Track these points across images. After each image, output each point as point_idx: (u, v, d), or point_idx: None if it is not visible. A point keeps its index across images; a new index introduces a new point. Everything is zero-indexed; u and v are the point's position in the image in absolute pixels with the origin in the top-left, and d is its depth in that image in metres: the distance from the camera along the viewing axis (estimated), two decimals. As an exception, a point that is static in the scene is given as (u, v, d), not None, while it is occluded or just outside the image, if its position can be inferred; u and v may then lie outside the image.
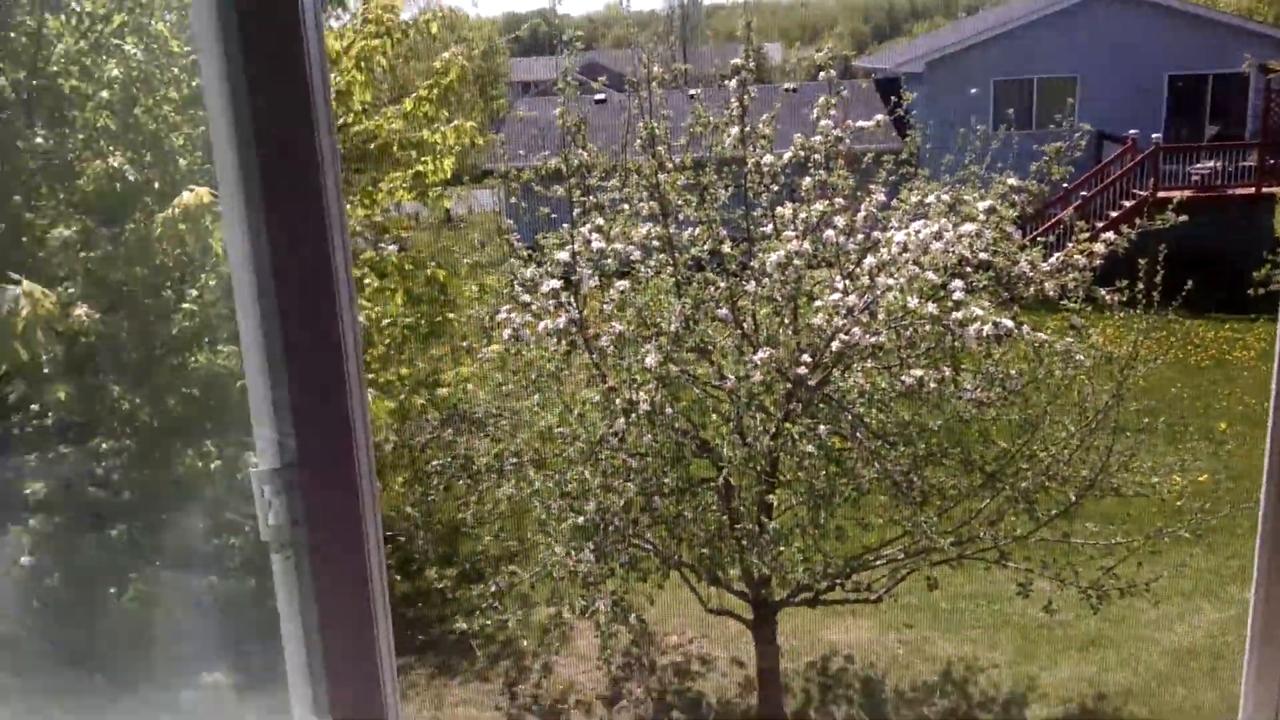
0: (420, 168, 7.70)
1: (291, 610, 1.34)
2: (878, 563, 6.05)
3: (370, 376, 6.96)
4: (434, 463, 5.92)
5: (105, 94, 4.97)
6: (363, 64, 7.37)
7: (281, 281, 1.27)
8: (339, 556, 1.33)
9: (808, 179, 5.73)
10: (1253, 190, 18.14)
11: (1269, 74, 17.19)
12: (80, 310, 4.56)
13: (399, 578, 6.62)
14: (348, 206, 7.41)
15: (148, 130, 5.18)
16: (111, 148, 4.91)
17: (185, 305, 5.22)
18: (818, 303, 5.38)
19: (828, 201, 5.56)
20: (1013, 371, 5.57)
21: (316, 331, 1.29)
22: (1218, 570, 8.37)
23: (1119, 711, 7.03)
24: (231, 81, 1.23)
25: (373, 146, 7.75)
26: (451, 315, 7.92)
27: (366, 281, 7.41)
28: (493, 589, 5.54)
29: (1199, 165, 18.75)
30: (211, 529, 5.16)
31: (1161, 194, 16.86)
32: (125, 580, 4.87)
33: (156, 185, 5.11)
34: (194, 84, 5.28)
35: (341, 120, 7.53)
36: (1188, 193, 16.48)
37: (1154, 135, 18.74)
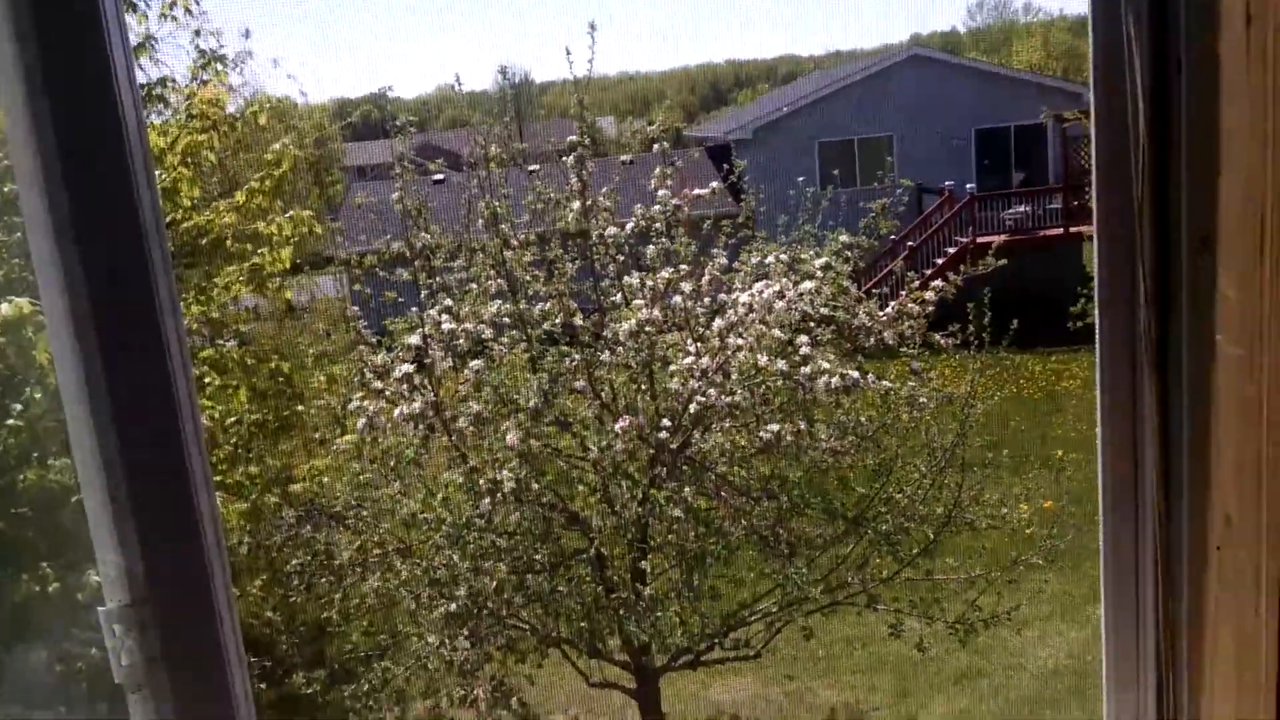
0: (257, 260, 7.50)
1: (153, 757, 1.24)
2: (753, 618, 6.10)
3: (218, 479, 6.65)
4: (293, 562, 5.68)
5: (-92, 205, 4.69)
6: (189, 159, 7.17)
7: (116, 396, 1.21)
8: (201, 695, 1.25)
9: (651, 247, 5.85)
10: (1061, 231, 19.47)
11: (1064, 123, 18.61)
12: (-109, 436, 4.24)
13: (263, 685, 6.27)
14: (182, 305, 7.13)
15: (-42, 240, 4.90)
16: (-81, 261, 4.62)
17: (10, 421, 4.91)
18: (672, 367, 5.47)
19: (673, 268, 5.68)
20: (863, 419, 5.77)
21: (159, 448, 1.23)
22: (1071, 592, 8.77)
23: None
24: (49, 186, 1.18)
25: (205, 242, 7.51)
26: (300, 408, 7.67)
27: (207, 380, 7.12)
28: (365, 688, 5.32)
29: (1011, 211, 20.04)
30: (54, 657, 4.80)
31: (981, 239, 17.94)
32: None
33: (-30, 297, 4.82)
34: (5, 190, 5.03)
35: (170, 217, 7.29)
36: (1003, 237, 17.58)
37: (968, 185, 19.95)
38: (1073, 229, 19.16)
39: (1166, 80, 1.09)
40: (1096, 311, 1.23)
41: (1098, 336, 1.24)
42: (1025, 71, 26.27)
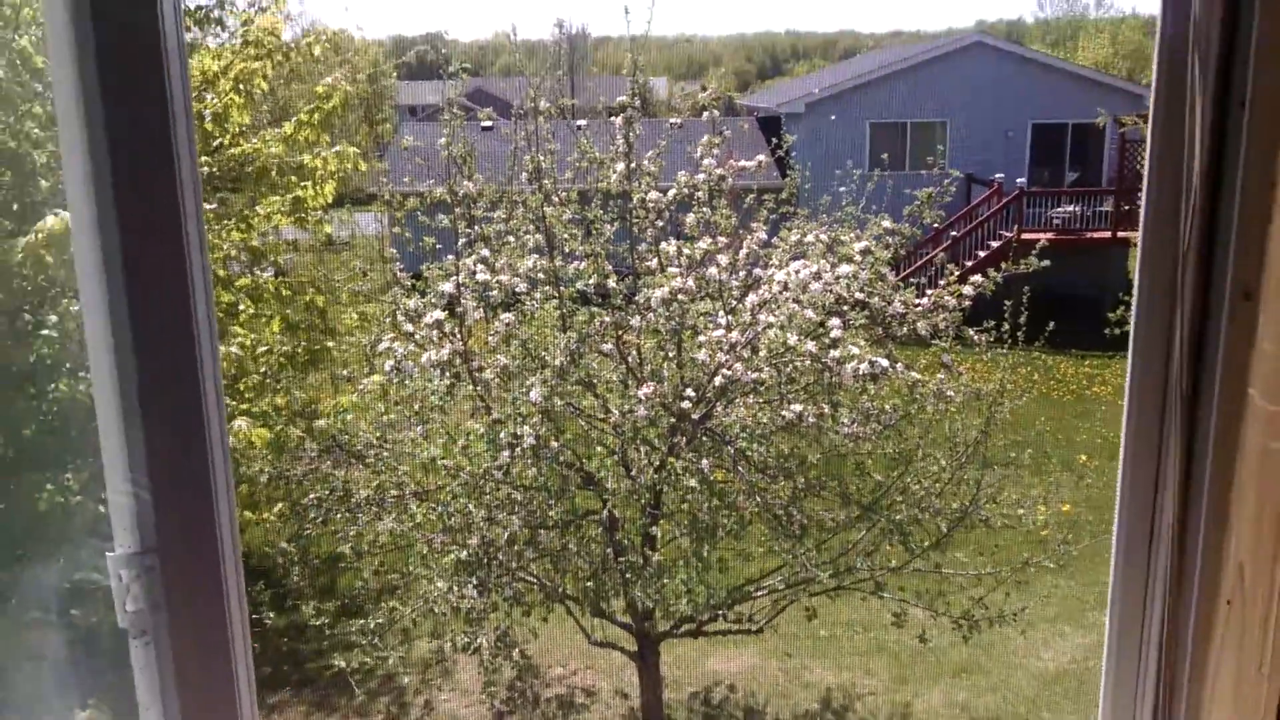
0: (300, 192, 7.54)
1: (153, 698, 1.25)
2: (759, 594, 6.14)
3: (245, 406, 6.74)
4: (311, 496, 5.76)
5: (-37, 111, 4.75)
6: (241, 86, 7.20)
7: (137, 323, 1.19)
8: (203, 645, 1.25)
9: (692, 216, 5.82)
10: (1109, 235, 19.18)
11: (1122, 126, 18.24)
12: (-70, 337, 4.33)
13: (273, 614, 6.40)
14: (223, 231, 7.19)
15: (8, 149, 4.95)
16: (-32, 167, 4.69)
17: (44, 332, 4.98)
18: (701, 338, 5.46)
19: (711, 239, 5.65)
20: (887, 407, 5.75)
21: (176, 392, 1.22)
22: (1080, 597, 8.75)
23: (987, 735, 7.26)
24: (85, 103, 1.15)
25: (250, 169, 7.56)
26: (330, 344, 7.74)
27: (242, 308, 7.20)
28: (372, 625, 5.41)
29: (1060, 209, 19.75)
30: (74, 563, 4.90)
31: (1026, 236, 17.71)
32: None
33: (15, 207, 4.89)
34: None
35: (218, 142, 7.33)
36: (1049, 235, 17.32)
37: (1018, 179, 19.67)
38: (1120, 233, 18.87)
39: (1226, 117, 1.06)
40: (1130, 353, 1.21)
41: (1129, 377, 1.22)
42: (1089, 68, 25.77)
